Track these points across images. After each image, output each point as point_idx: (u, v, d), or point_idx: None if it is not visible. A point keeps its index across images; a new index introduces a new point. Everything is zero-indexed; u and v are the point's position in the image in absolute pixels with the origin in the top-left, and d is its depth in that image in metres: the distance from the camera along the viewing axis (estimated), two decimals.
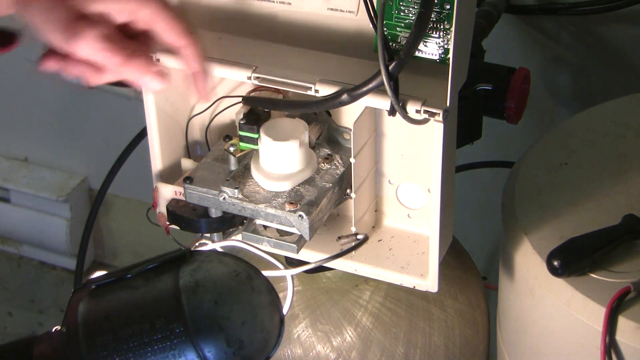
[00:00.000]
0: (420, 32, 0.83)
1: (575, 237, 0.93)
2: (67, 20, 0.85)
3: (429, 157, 0.89)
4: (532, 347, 0.99)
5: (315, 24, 0.96)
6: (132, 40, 0.88)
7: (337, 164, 0.96)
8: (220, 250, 0.90)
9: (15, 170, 1.99)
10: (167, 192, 0.98)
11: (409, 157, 0.97)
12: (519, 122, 1.07)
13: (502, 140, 1.33)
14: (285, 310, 0.82)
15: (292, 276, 0.90)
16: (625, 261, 0.92)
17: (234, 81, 0.99)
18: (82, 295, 0.78)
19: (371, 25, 0.88)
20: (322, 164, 0.95)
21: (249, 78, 0.92)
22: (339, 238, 0.98)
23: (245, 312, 0.76)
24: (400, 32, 0.91)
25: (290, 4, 0.96)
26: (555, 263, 0.91)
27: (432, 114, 0.86)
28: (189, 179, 0.95)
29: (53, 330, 0.79)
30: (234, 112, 0.97)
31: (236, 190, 0.92)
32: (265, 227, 0.96)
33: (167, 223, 0.98)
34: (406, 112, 0.86)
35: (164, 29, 0.88)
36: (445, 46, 0.89)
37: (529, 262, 0.95)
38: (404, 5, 0.90)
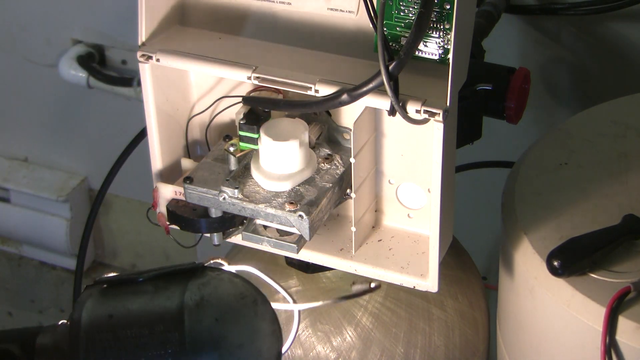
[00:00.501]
0: (420, 32, 0.83)
1: (575, 237, 0.93)
2: None
3: (429, 157, 0.89)
4: (532, 347, 0.99)
5: (315, 24, 0.96)
6: None
7: (337, 164, 0.96)
8: (233, 272, 0.90)
9: (15, 170, 1.99)
10: (167, 192, 0.98)
11: (409, 157, 0.97)
12: (519, 122, 1.07)
13: (502, 140, 1.33)
14: (287, 346, 0.81)
15: (299, 311, 0.89)
16: (625, 261, 0.92)
17: (234, 81, 0.99)
18: (92, 292, 0.79)
19: (371, 25, 0.88)
20: (322, 164, 0.95)
21: (249, 78, 0.92)
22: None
23: (243, 335, 0.76)
24: (400, 32, 0.91)
25: (290, 4, 0.96)
26: (555, 263, 0.91)
27: (432, 114, 0.86)
28: (189, 179, 0.95)
29: (59, 323, 0.79)
30: (234, 112, 0.97)
31: (236, 190, 0.92)
32: (265, 227, 0.96)
33: (167, 223, 0.98)
34: (406, 112, 0.86)
35: None
36: (445, 46, 0.89)
37: (529, 262, 0.95)
38: (404, 5, 0.90)
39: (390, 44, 0.91)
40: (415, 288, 0.95)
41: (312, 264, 1.01)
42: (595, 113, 1.12)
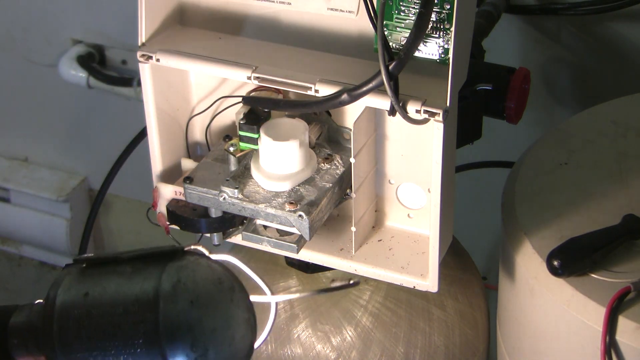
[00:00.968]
0: (420, 32, 0.83)
1: (575, 237, 0.93)
2: None
3: (429, 157, 0.89)
4: (532, 347, 0.99)
5: (315, 24, 0.96)
6: None
7: (337, 164, 0.96)
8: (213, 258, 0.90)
9: (15, 170, 1.99)
10: (167, 192, 0.98)
11: (409, 157, 0.97)
12: (519, 122, 1.07)
13: (502, 140, 1.33)
14: (262, 338, 0.81)
15: (276, 304, 0.89)
16: (625, 261, 0.92)
17: (234, 81, 0.99)
18: (70, 271, 0.79)
19: (371, 26, 0.88)
20: (322, 164, 0.95)
21: (249, 78, 0.92)
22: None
23: (217, 321, 0.75)
24: (400, 32, 0.91)
25: (290, 4, 0.96)
26: (555, 263, 0.91)
27: (432, 114, 0.86)
28: (189, 179, 0.95)
29: (35, 302, 0.79)
30: (234, 112, 0.97)
31: (236, 190, 0.92)
32: (265, 227, 0.96)
33: (167, 223, 0.98)
34: (406, 112, 0.86)
35: None
36: (445, 46, 0.89)
37: (529, 262, 0.95)
38: (404, 6, 0.90)
39: (390, 44, 0.91)
40: (415, 288, 0.95)
41: (312, 264, 1.01)
42: (595, 113, 1.12)
